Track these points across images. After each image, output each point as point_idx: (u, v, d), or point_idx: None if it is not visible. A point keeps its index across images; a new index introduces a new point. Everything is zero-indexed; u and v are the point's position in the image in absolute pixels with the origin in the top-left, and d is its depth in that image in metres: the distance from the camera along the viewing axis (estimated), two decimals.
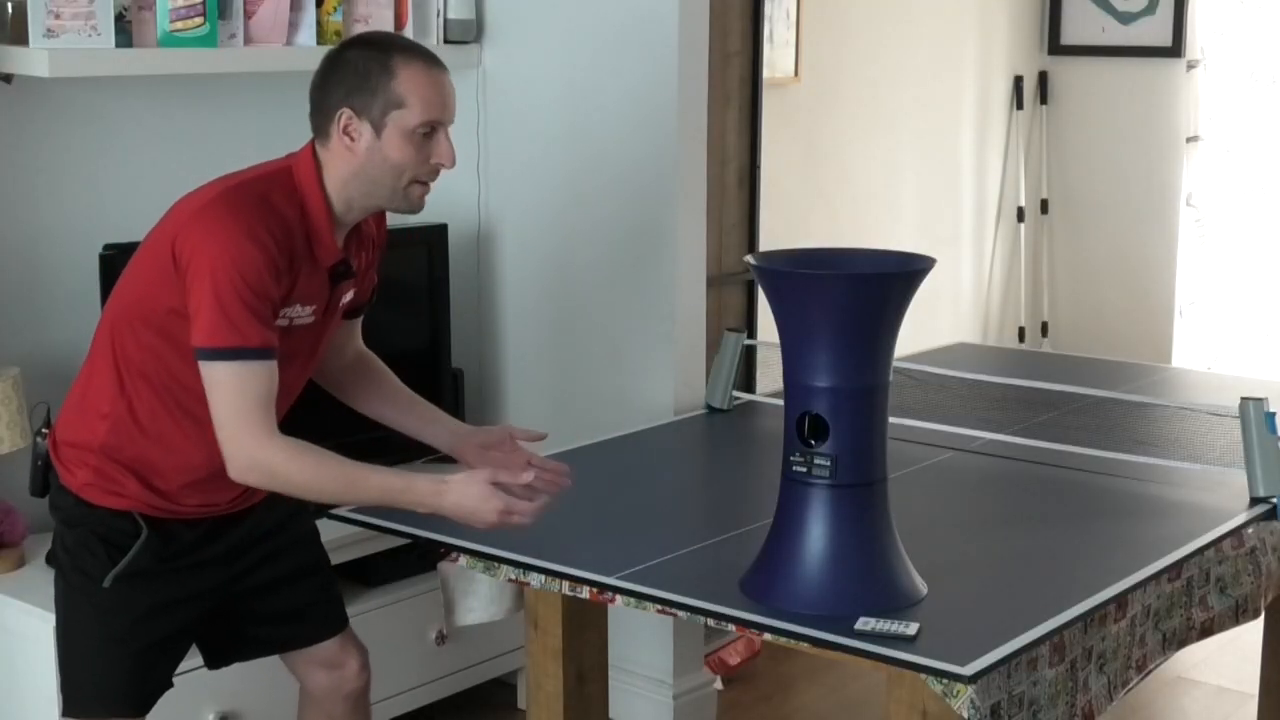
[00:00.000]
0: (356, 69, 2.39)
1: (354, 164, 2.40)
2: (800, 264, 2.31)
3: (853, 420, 2.24)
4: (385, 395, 2.71)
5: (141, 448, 2.44)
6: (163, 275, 2.36)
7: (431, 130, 2.40)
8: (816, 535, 2.24)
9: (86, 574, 2.47)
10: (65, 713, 2.55)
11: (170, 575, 2.50)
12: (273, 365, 2.32)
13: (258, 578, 2.61)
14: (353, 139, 2.39)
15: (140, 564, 2.46)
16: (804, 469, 2.26)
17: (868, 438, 2.26)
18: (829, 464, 2.24)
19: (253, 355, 2.29)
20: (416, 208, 2.47)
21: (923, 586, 2.30)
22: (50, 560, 2.62)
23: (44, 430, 2.62)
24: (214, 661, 2.70)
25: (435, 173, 2.45)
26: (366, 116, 2.38)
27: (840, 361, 2.22)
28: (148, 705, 2.54)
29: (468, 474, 2.35)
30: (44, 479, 2.57)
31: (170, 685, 2.59)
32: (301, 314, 2.42)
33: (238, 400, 2.30)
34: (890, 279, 2.25)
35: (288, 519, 2.65)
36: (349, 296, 2.56)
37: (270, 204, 2.36)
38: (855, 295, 2.21)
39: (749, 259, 2.32)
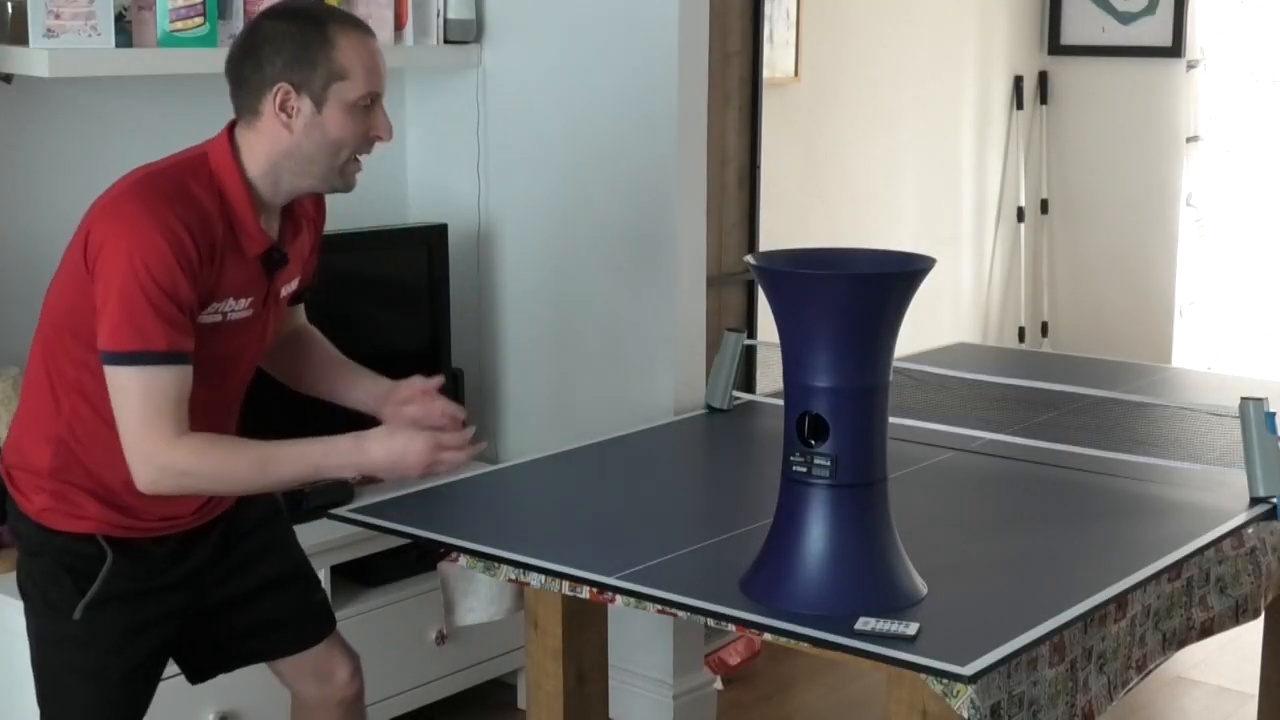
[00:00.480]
0: (292, 40, 2.26)
1: (288, 142, 2.28)
2: (800, 264, 2.31)
3: (853, 420, 2.24)
4: (314, 363, 2.61)
5: (90, 467, 2.33)
6: (80, 280, 2.24)
7: (371, 102, 2.31)
8: (816, 535, 2.24)
9: (55, 607, 2.37)
10: None
11: (143, 596, 2.41)
12: (183, 370, 2.20)
13: (232, 588, 2.53)
14: (290, 115, 2.27)
15: (110, 590, 2.36)
16: (804, 469, 2.26)
17: (868, 438, 2.26)
18: (829, 464, 2.23)
19: (158, 360, 2.18)
20: (350, 186, 2.37)
21: (923, 586, 2.30)
22: (20, 591, 2.49)
23: None
24: (195, 676, 2.63)
25: (371, 147, 2.35)
26: (307, 90, 2.26)
27: (840, 361, 2.22)
28: None
29: (388, 424, 2.31)
30: (1, 505, 2.44)
31: (148, 706, 2.52)
32: (236, 308, 2.31)
33: (142, 407, 2.19)
34: (890, 279, 2.25)
35: (260, 525, 2.57)
36: (292, 285, 2.46)
37: (185, 193, 2.24)
38: (855, 295, 2.21)
39: (749, 259, 2.32)
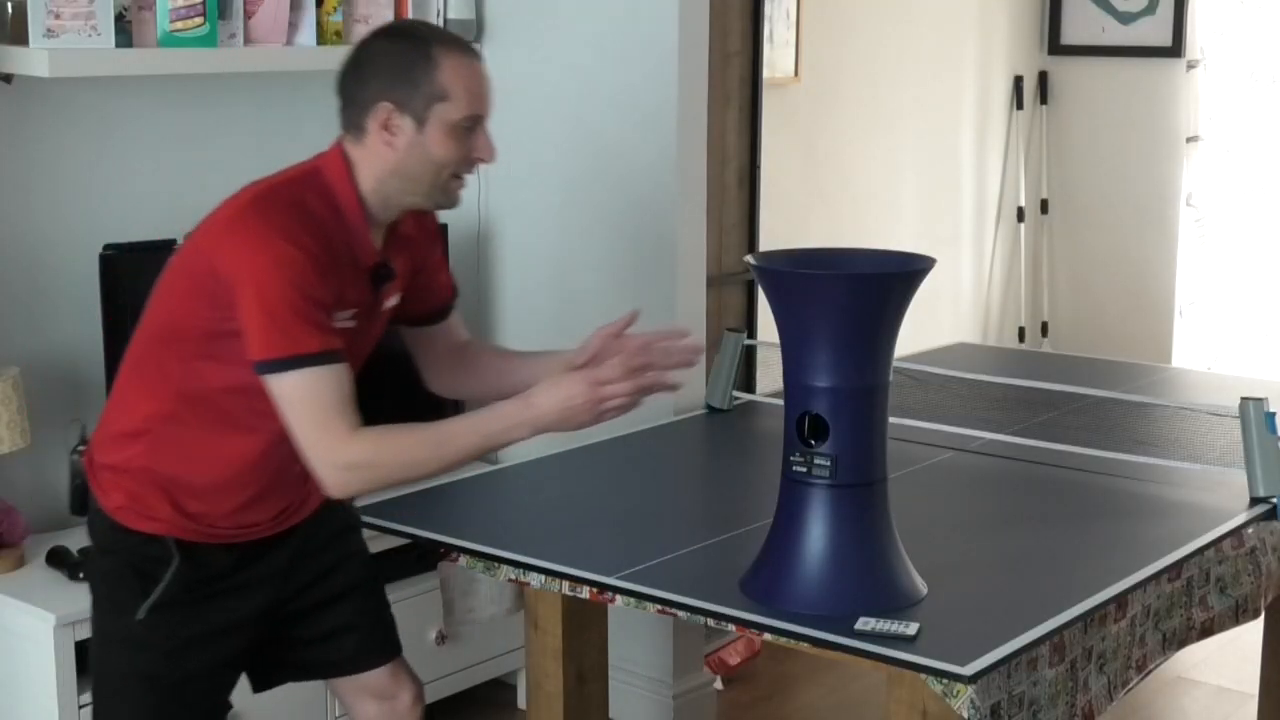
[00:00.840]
0: (396, 60, 2.29)
1: (392, 160, 2.30)
2: (800, 264, 2.31)
3: (853, 420, 2.24)
4: (494, 364, 2.63)
5: (180, 469, 2.35)
6: (199, 291, 2.27)
7: (473, 124, 2.32)
8: (817, 535, 2.24)
9: (119, 606, 2.38)
10: None
11: (205, 604, 2.40)
12: (340, 368, 2.22)
13: (307, 599, 2.52)
14: (392, 134, 2.29)
15: (173, 594, 2.37)
16: (804, 469, 2.26)
17: (868, 438, 2.26)
18: (829, 464, 2.23)
19: (314, 361, 2.19)
20: (454, 203, 2.40)
21: (923, 586, 2.30)
22: (89, 587, 2.51)
23: (79, 448, 2.51)
24: (259, 684, 2.61)
25: (474, 167, 2.37)
26: (409, 110, 2.28)
27: (840, 361, 2.22)
28: None
29: (564, 376, 2.29)
30: (83, 499, 2.48)
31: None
32: (342, 318, 2.31)
33: (312, 411, 2.20)
34: (890, 279, 2.25)
35: (337, 536, 2.57)
36: (393, 300, 2.46)
37: (304, 206, 2.26)
38: (855, 295, 2.21)
39: (749, 259, 2.32)
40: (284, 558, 2.48)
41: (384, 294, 2.42)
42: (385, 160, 2.31)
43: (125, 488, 2.37)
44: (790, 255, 2.37)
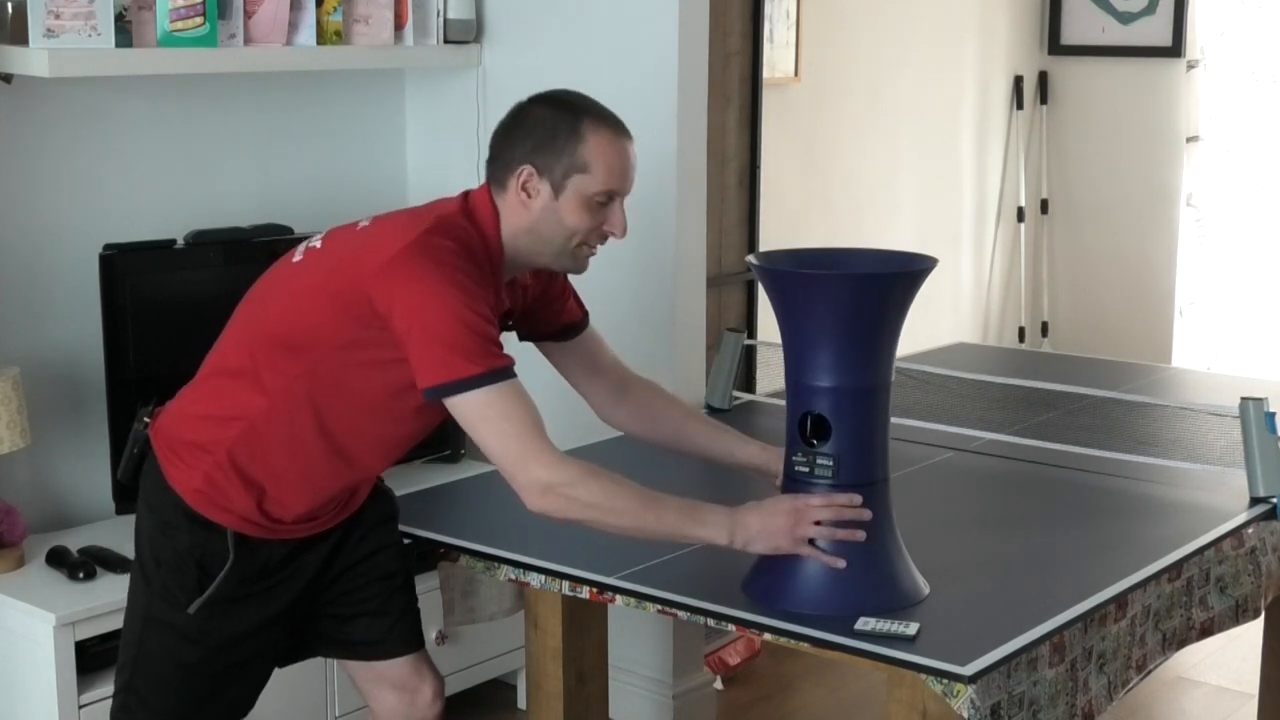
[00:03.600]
0: (544, 126, 2.35)
1: (527, 220, 2.36)
2: (802, 264, 2.31)
3: (855, 421, 2.24)
4: (677, 418, 2.66)
5: (271, 462, 2.37)
6: (345, 318, 2.28)
7: (609, 199, 2.36)
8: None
9: (172, 595, 2.40)
10: (118, 717, 2.48)
11: (254, 599, 2.44)
12: (520, 384, 2.24)
13: (344, 581, 2.55)
14: (530, 195, 2.35)
15: (224, 592, 2.40)
16: (806, 469, 2.26)
17: (870, 438, 2.26)
18: (831, 464, 2.24)
19: (496, 377, 2.21)
20: (580, 269, 2.44)
21: (925, 586, 2.30)
22: (138, 559, 2.49)
23: (146, 420, 2.48)
24: (284, 659, 2.62)
25: (605, 239, 2.40)
26: (547, 176, 2.34)
27: (842, 362, 2.22)
28: None
29: (773, 499, 2.28)
30: (136, 469, 2.46)
31: (250, 708, 2.54)
32: None
33: (505, 427, 2.21)
34: (893, 279, 2.25)
35: (380, 523, 2.59)
36: None
37: (467, 244, 2.30)
38: (858, 295, 2.21)
39: (750, 259, 2.32)
40: (329, 546, 2.51)
41: None
42: (521, 219, 2.36)
43: (205, 471, 2.37)
44: (792, 255, 2.38)
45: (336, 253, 2.36)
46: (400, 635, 2.62)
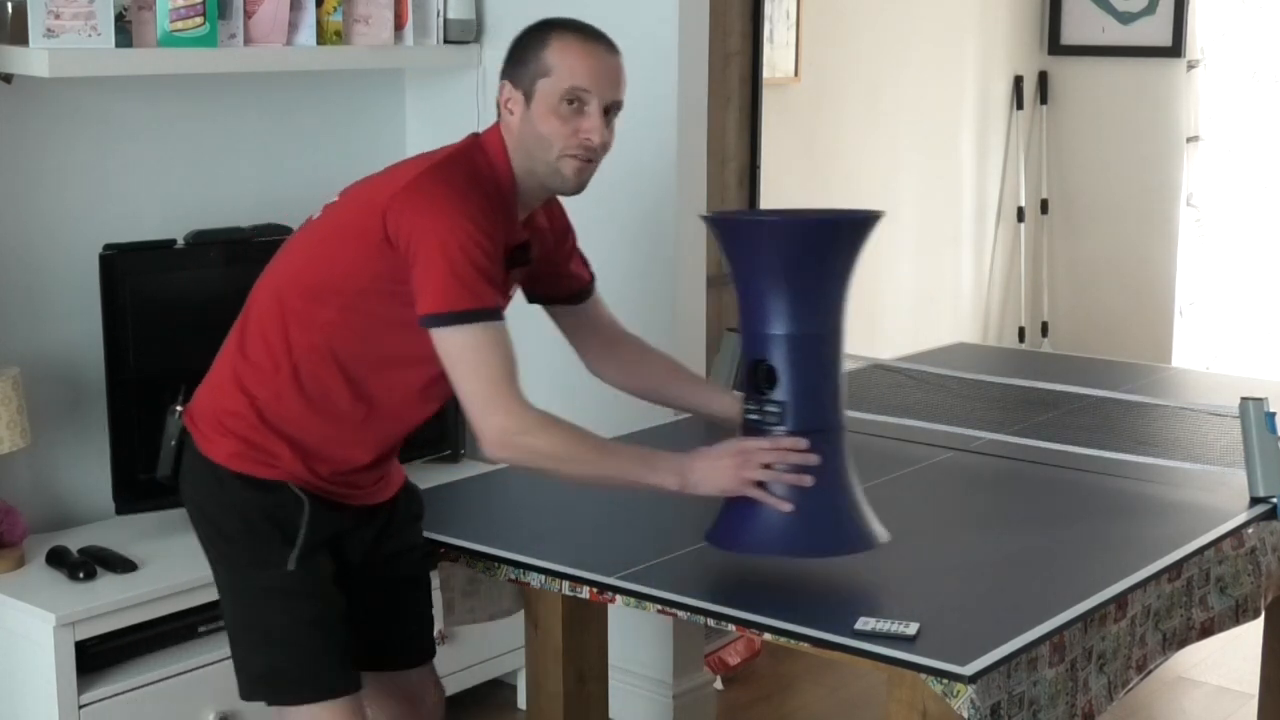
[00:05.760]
0: (519, 43, 2.40)
1: (513, 138, 2.37)
2: (752, 217, 2.38)
3: (802, 367, 2.29)
4: (659, 370, 2.73)
5: (304, 421, 2.36)
6: (366, 251, 2.29)
7: (579, 102, 2.34)
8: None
9: (264, 559, 2.36)
10: (275, 700, 2.42)
11: (334, 543, 2.42)
12: (506, 330, 2.27)
13: (378, 577, 2.52)
14: (511, 111, 2.37)
15: (316, 537, 2.37)
16: (757, 417, 2.31)
17: (819, 384, 2.31)
18: (779, 411, 2.29)
19: (488, 316, 2.23)
20: (572, 186, 2.40)
21: (883, 534, 2.33)
22: (208, 548, 2.46)
23: (178, 409, 2.47)
24: None
25: (586, 148, 2.36)
26: (521, 87, 2.36)
27: (787, 309, 2.28)
28: (358, 681, 2.42)
29: (722, 444, 2.32)
30: (178, 458, 2.45)
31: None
32: None
33: (482, 369, 2.23)
34: (830, 225, 2.34)
35: (409, 522, 2.57)
36: (515, 289, 2.52)
37: (477, 176, 2.32)
38: (795, 242, 2.28)
39: (701, 215, 2.38)
40: (374, 531, 2.50)
41: (511, 278, 2.45)
42: (510, 135, 2.38)
43: (241, 434, 2.36)
44: (745, 212, 2.45)
45: (352, 197, 2.41)
46: (417, 645, 2.61)
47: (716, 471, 2.29)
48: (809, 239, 2.30)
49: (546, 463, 2.28)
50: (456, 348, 2.24)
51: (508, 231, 2.36)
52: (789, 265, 2.27)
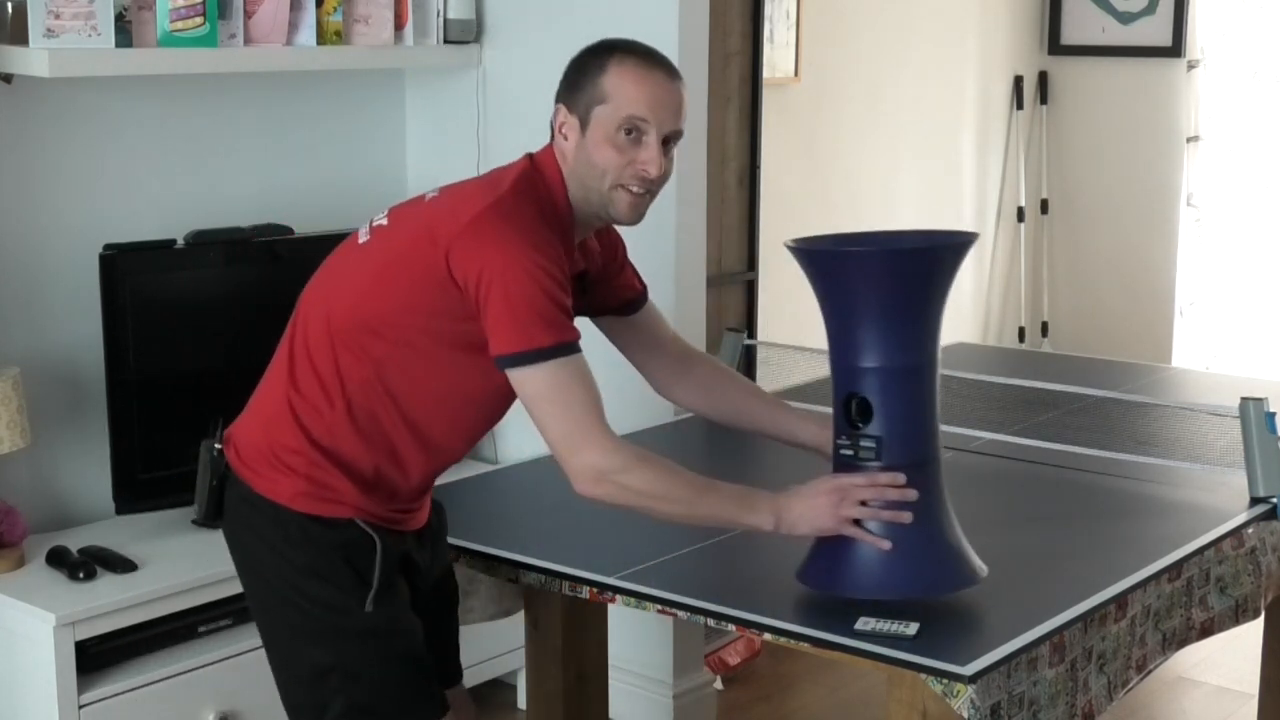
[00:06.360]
0: (576, 66, 2.31)
1: (567, 164, 2.29)
2: (842, 244, 2.32)
3: (897, 400, 2.21)
4: (741, 395, 2.60)
5: (359, 454, 2.25)
6: (427, 288, 2.19)
7: (637, 132, 2.26)
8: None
9: (336, 605, 2.24)
10: None
11: (403, 574, 2.32)
12: (586, 362, 2.18)
13: (428, 598, 2.43)
14: (566, 137, 2.29)
15: (388, 575, 2.26)
16: (851, 452, 2.23)
17: (914, 417, 2.23)
18: (875, 445, 2.21)
19: (568, 350, 2.15)
20: (626, 217, 2.31)
21: (982, 568, 2.27)
22: (267, 593, 2.31)
23: (217, 447, 2.32)
24: None
25: (641, 180, 2.27)
26: (576, 113, 2.28)
27: (881, 341, 2.20)
28: (445, 703, 2.34)
29: (816, 481, 2.24)
30: (219, 501, 2.32)
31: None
32: None
33: (571, 407, 2.15)
34: (925, 254, 2.25)
35: (442, 538, 2.49)
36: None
37: (540, 206, 2.24)
38: (893, 273, 2.20)
39: (788, 243, 2.27)
40: (429, 554, 2.42)
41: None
42: (565, 162, 2.30)
43: (304, 471, 2.25)
44: (833, 239, 2.39)
45: (408, 225, 2.27)
46: (456, 666, 2.54)
47: (813, 510, 2.21)
48: (905, 267, 2.21)
49: (642, 500, 2.20)
50: (540, 386, 2.16)
51: (568, 258, 2.28)
52: (885, 296, 2.19)
